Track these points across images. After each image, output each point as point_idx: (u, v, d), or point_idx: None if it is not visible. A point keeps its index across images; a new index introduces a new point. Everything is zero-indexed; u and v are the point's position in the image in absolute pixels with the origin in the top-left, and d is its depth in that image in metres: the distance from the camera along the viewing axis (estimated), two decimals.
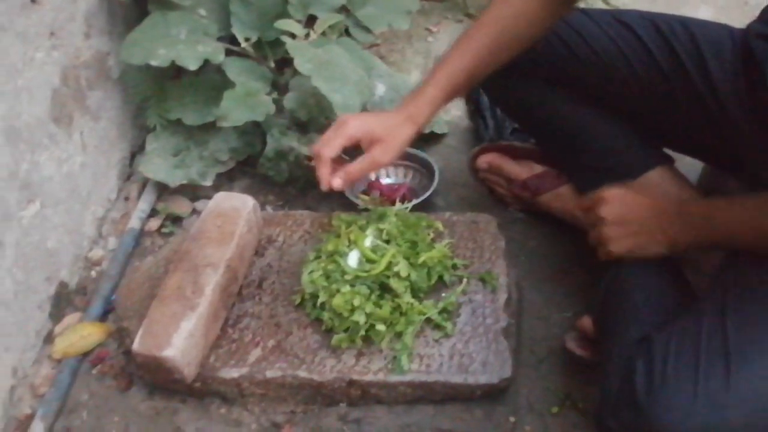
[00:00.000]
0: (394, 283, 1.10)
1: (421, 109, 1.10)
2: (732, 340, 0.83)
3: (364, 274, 1.10)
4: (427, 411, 1.10)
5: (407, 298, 1.10)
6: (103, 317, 1.28)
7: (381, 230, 1.17)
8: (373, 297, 1.09)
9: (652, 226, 1.02)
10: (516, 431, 1.08)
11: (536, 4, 1.09)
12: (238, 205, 1.23)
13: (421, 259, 1.13)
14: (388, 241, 1.16)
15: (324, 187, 1.09)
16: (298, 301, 1.17)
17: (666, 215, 1.02)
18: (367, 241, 1.16)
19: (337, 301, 1.07)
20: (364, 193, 1.46)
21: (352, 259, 1.14)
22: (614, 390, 0.89)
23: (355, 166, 1.08)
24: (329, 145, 1.08)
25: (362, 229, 1.18)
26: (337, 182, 1.08)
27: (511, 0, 1.10)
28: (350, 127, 1.08)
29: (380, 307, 1.08)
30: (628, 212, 1.03)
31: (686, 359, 0.83)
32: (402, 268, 1.10)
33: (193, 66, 1.36)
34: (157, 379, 1.12)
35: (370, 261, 1.13)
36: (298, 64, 1.32)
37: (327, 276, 1.14)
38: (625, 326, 0.99)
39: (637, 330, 0.95)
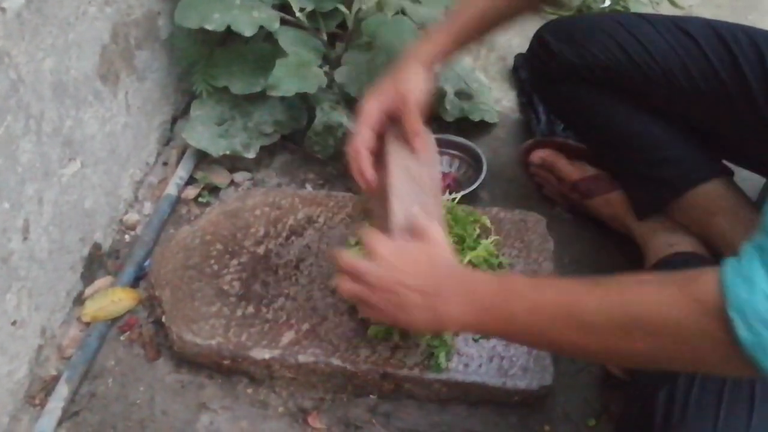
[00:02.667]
0: None
1: (429, 53, 1.05)
2: (759, 384, 0.79)
3: None
4: (460, 411, 1.07)
5: None
6: (134, 283, 1.26)
7: None
8: None
9: (424, 291, 0.82)
10: None
11: None
12: None
13: (466, 259, 1.09)
14: None
15: (366, 179, 1.00)
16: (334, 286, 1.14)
17: (444, 278, 0.82)
18: None
19: None
20: None
21: None
22: (633, 418, 0.86)
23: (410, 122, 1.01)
24: (361, 137, 1.00)
25: None
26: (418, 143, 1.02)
27: None
28: (370, 109, 1.01)
29: None
30: (398, 275, 0.83)
31: (709, 398, 0.79)
32: None
33: (248, 32, 1.32)
34: None
35: None
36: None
37: None
38: None
39: None
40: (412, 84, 1.02)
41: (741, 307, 0.60)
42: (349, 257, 0.89)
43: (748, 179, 1.25)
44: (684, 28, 1.14)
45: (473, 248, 1.12)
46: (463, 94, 1.54)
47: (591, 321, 0.70)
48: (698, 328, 0.63)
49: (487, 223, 1.19)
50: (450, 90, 1.52)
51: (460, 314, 0.79)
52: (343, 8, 1.36)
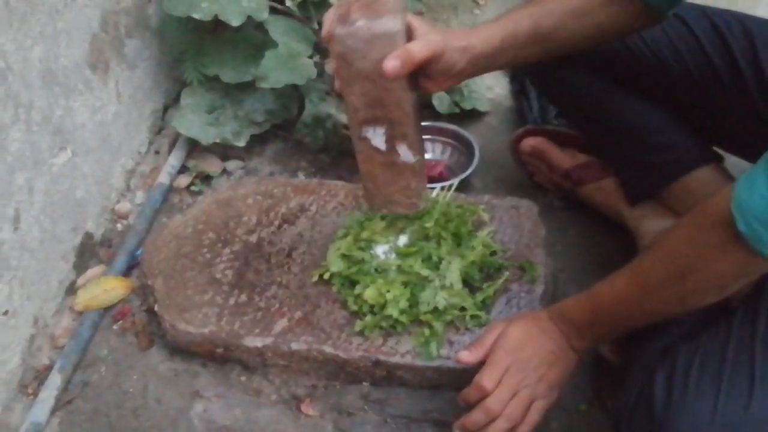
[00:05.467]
0: (441, 296, 1.07)
1: (475, 40, 0.92)
2: (759, 365, 0.80)
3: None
4: (452, 398, 1.07)
5: (448, 302, 1.07)
6: (127, 272, 1.26)
7: (425, 228, 1.12)
8: (407, 293, 1.06)
9: (546, 357, 0.94)
10: (542, 427, 1.05)
11: None
12: None
13: (466, 261, 1.10)
14: (428, 236, 1.12)
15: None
16: (315, 278, 1.14)
17: (549, 339, 0.94)
18: (402, 241, 1.12)
19: (370, 293, 1.05)
20: None
21: (380, 251, 1.11)
22: (632, 399, 0.87)
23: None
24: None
25: (402, 229, 1.13)
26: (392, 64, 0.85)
27: None
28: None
29: (416, 304, 1.06)
30: (521, 374, 0.92)
31: (709, 376, 0.80)
32: (454, 278, 1.07)
33: (236, 21, 1.31)
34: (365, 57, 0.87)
35: (403, 255, 1.10)
36: None
37: (354, 261, 1.11)
38: (650, 334, 0.95)
39: (662, 339, 0.92)
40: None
41: (740, 205, 0.71)
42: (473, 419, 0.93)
43: (737, 165, 1.25)
44: (677, 13, 1.14)
45: (470, 242, 1.12)
46: (454, 90, 1.53)
47: (652, 279, 0.84)
48: (712, 237, 0.76)
49: (484, 216, 1.18)
50: None
51: (579, 347, 0.94)
52: None
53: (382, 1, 0.86)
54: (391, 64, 0.84)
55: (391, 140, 0.94)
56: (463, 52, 0.91)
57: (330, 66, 0.92)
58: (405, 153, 0.95)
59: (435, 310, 1.06)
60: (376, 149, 0.95)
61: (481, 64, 0.94)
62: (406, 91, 0.90)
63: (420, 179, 1.00)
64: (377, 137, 0.94)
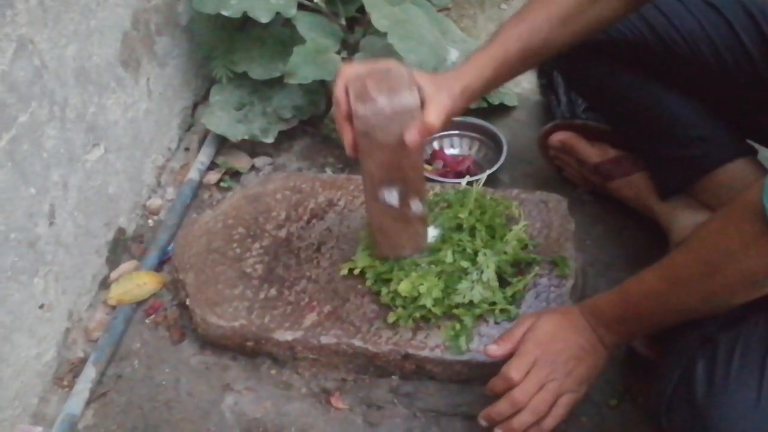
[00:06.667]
0: (477, 290, 1.07)
1: (470, 78, 0.97)
2: None
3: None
4: (481, 392, 1.07)
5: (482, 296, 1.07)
6: (158, 267, 1.27)
7: (459, 218, 1.13)
8: (440, 284, 1.06)
9: (576, 351, 0.93)
10: (572, 422, 1.05)
11: None
12: None
13: (503, 257, 1.10)
14: (461, 226, 1.13)
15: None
16: (344, 271, 1.14)
17: (579, 333, 0.93)
18: (432, 233, 1.12)
19: (404, 286, 1.06)
20: (427, 162, 1.43)
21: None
22: (670, 390, 0.86)
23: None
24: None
25: (433, 221, 1.14)
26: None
27: None
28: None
29: (448, 295, 1.06)
30: (549, 368, 0.91)
31: (751, 364, 0.79)
32: (491, 275, 1.07)
33: (264, 18, 1.32)
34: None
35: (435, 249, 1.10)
36: (375, 20, 1.27)
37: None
38: (687, 324, 0.94)
39: (700, 329, 0.91)
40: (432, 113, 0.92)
41: None
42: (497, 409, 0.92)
43: None
44: (712, 3, 1.12)
45: (503, 236, 1.12)
46: None
47: (681, 275, 0.83)
48: (743, 230, 0.74)
49: (516, 213, 1.18)
50: None
51: (609, 342, 0.93)
52: None
53: (393, 73, 0.91)
54: (413, 137, 0.90)
55: (404, 197, 1.00)
56: (463, 95, 0.96)
57: (346, 135, 0.94)
58: (417, 206, 1.02)
59: (468, 303, 1.06)
60: (390, 206, 1.01)
61: (478, 95, 1.01)
62: (421, 153, 0.97)
63: (425, 223, 1.08)
64: (391, 196, 1.00)
